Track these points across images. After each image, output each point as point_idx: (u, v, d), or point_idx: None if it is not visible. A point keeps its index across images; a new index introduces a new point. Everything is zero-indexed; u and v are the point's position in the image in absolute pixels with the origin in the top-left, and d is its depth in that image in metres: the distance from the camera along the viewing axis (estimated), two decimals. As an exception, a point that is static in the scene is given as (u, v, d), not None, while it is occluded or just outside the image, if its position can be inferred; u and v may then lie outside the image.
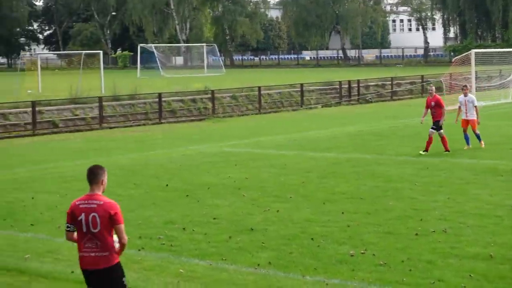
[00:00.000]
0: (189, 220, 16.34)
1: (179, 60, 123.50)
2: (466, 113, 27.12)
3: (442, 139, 26.02)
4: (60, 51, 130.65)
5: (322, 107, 51.30)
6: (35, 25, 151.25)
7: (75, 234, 9.28)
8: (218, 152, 27.59)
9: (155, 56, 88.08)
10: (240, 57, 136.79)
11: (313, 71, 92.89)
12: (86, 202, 9.16)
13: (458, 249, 13.40)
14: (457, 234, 14.45)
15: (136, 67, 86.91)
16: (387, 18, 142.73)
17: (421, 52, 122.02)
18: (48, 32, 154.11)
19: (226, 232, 15.03)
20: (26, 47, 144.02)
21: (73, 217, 9.23)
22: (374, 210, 16.93)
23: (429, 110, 26.60)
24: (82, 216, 9.13)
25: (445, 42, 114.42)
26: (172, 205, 18.12)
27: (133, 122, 42.05)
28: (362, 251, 13.36)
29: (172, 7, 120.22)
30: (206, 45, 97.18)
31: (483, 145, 26.83)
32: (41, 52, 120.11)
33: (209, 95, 47.02)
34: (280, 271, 12.40)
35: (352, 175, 21.59)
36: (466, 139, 26.85)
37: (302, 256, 13.24)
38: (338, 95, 54.59)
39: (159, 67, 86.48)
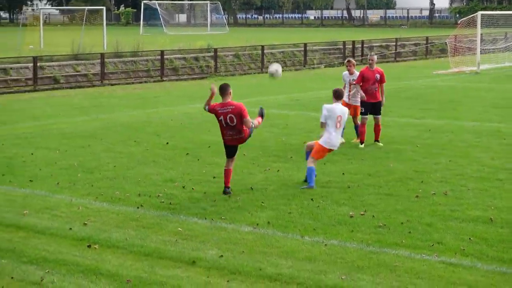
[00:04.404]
0: (188, 178, 16.26)
1: (183, 17, 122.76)
2: (349, 96, 20.72)
3: (378, 126, 20.34)
4: (63, 6, 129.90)
5: (325, 67, 51.06)
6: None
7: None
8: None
9: (158, 13, 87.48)
10: (244, 16, 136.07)
11: (317, 31, 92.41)
12: (223, 108, 14.57)
13: (458, 212, 13.32)
14: (457, 197, 14.38)
15: (139, 24, 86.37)
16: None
17: (426, 13, 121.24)
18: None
19: (225, 191, 14.94)
20: (29, 2, 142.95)
21: (214, 114, 14.72)
22: (375, 171, 16.86)
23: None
24: (222, 117, 14.58)
25: (451, 4, 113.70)
26: (172, 163, 18.03)
27: (135, 79, 41.83)
28: (362, 213, 13.29)
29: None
30: (210, 3, 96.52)
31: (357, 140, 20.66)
32: (43, 7, 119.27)
33: (212, 54, 46.75)
34: (279, 231, 12.32)
35: (353, 136, 21.40)
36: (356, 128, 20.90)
37: (301, 216, 13.17)
38: (341, 55, 54.30)
39: (162, 25, 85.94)
